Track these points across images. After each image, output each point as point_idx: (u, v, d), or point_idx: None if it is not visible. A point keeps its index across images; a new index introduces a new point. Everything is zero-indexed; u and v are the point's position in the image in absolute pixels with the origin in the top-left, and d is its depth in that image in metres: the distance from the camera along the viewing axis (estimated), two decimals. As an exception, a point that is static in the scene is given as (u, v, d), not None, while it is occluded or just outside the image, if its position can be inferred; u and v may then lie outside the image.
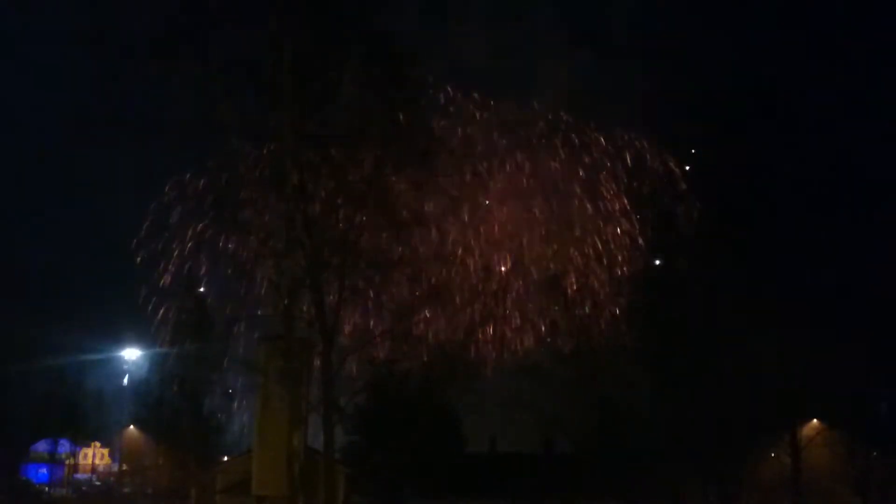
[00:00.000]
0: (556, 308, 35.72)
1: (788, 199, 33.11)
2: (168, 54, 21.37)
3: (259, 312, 26.95)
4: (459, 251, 29.43)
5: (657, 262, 34.17)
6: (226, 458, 45.83)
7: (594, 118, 36.11)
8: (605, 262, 34.80)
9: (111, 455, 66.63)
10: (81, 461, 62.52)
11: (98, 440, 64.69)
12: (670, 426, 34.63)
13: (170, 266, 27.80)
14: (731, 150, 31.91)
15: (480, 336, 31.92)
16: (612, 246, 34.94)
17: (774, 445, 36.59)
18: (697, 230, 32.51)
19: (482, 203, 31.25)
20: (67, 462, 58.07)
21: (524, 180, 34.63)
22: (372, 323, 28.09)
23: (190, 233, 26.78)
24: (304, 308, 25.09)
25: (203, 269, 29.15)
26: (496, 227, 32.21)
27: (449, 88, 29.23)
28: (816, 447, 35.78)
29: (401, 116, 23.69)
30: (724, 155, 32.06)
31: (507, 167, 33.21)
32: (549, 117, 35.34)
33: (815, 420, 37.60)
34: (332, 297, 25.64)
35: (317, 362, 26.03)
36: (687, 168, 33.98)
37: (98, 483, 61.87)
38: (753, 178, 32.28)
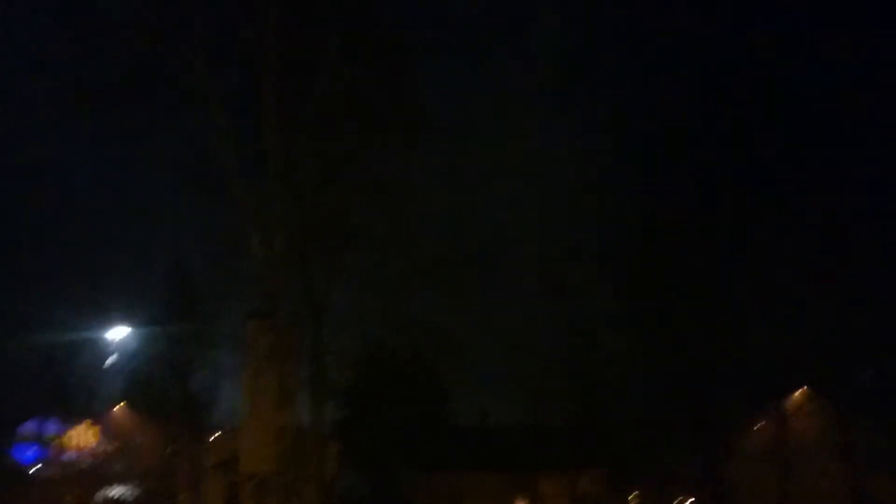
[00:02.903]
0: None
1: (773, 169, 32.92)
2: (150, 28, 20.96)
3: (247, 289, 26.77)
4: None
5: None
6: (215, 435, 45.88)
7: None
8: None
9: (100, 434, 66.44)
10: (69, 441, 62.26)
11: (86, 419, 64.47)
12: (658, 397, 34.87)
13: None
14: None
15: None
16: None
17: (761, 414, 36.87)
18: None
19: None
20: (56, 442, 57.81)
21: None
22: (362, 299, 27.98)
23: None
24: (293, 284, 24.93)
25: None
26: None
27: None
28: (803, 416, 36.12)
29: (387, 88, 23.37)
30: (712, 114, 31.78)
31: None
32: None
33: (801, 389, 37.96)
34: (321, 274, 25.53)
35: (307, 339, 25.93)
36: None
37: (87, 462, 61.70)
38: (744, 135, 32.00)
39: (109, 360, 46.58)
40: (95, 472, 55.00)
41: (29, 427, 61.96)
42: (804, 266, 31.70)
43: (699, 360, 31.87)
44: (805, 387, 37.89)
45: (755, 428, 37.57)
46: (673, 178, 32.11)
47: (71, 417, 56.57)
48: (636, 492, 45.41)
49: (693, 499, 40.09)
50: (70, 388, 49.13)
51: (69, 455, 61.77)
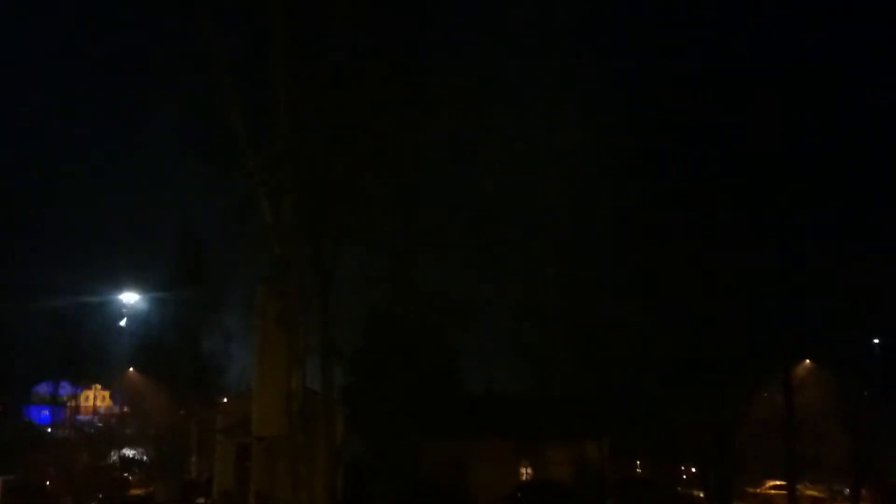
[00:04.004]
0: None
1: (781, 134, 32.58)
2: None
3: (256, 255, 26.94)
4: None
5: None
6: (225, 400, 46.45)
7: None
8: None
9: (112, 397, 67.41)
10: (83, 403, 63.21)
11: (99, 382, 65.34)
12: (664, 367, 34.98)
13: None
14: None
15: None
16: None
17: (767, 385, 37.02)
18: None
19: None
20: (69, 404, 58.71)
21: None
22: (369, 266, 28.07)
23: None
24: (302, 250, 25.07)
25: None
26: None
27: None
28: (809, 387, 36.25)
29: (394, 50, 23.27)
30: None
31: None
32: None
33: (807, 360, 38.07)
34: (329, 240, 25.64)
35: (314, 305, 26.11)
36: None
37: (100, 424, 62.71)
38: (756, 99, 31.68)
39: (120, 324, 47.13)
40: (108, 434, 55.96)
41: (43, 389, 63.05)
42: (811, 239, 31.67)
43: (705, 330, 31.94)
44: (810, 359, 38.04)
45: (761, 398, 37.78)
46: (682, 142, 31.85)
47: (83, 380, 57.46)
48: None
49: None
50: (82, 351, 49.71)
51: (82, 417, 62.86)
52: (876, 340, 37.41)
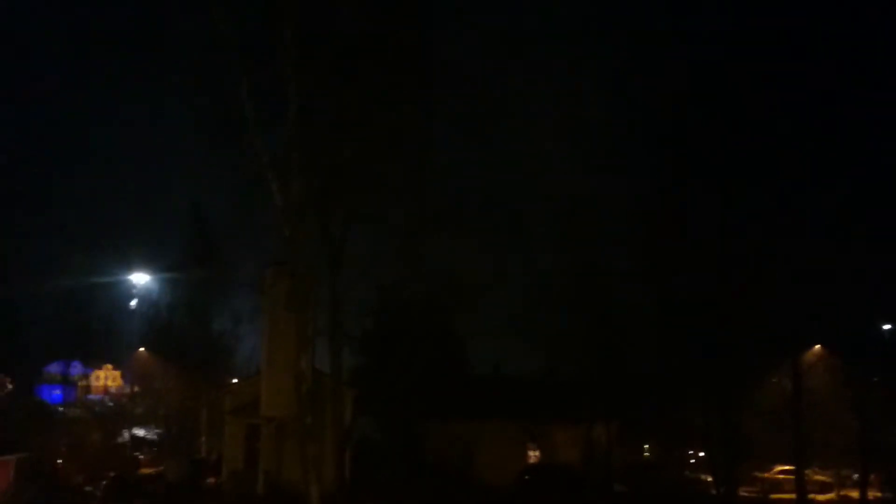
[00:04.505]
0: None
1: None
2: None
3: (265, 236, 27.02)
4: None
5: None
6: (235, 380, 46.69)
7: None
8: None
9: (123, 377, 67.97)
10: (94, 383, 63.81)
11: (109, 362, 65.88)
12: (673, 350, 34.92)
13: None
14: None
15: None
16: None
17: (776, 370, 36.95)
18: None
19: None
20: (80, 383, 59.25)
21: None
22: (378, 248, 28.10)
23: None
24: (311, 231, 25.12)
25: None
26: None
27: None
28: (818, 372, 36.16)
29: (403, 30, 23.17)
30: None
31: None
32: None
33: (817, 346, 37.96)
34: (337, 221, 25.69)
35: (323, 286, 26.21)
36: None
37: (111, 404, 63.24)
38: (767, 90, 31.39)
39: (130, 305, 47.38)
40: (118, 414, 56.43)
41: (54, 368, 63.60)
42: (821, 225, 31.42)
43: (715, 315, 31.85)
44: (819, 344, 37.93)
45: (769, 383, 37.71)
46: (693, 124, 31.58)
47: (94, 360, 57.98)
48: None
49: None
50: (93, 331, 50.08)
51: (93, 396, 63.45)
52: (885, 326, 37.27)
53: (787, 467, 39.83)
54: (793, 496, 33.53)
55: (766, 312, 32.10)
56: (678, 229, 32.62)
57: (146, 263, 47.69)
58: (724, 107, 30.85)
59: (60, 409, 56.46)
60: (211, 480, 39.72)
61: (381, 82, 23.71)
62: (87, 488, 38.90)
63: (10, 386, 61.00)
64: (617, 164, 34.58)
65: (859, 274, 31.22)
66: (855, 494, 37.25)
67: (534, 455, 43.54)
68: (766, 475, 42.35)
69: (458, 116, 26.98)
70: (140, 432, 54.89)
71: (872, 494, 35.78)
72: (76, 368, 57.98)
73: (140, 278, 47.56)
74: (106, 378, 69.29)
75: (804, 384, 32.93)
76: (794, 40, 31.67)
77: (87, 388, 61.32)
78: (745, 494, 37.01)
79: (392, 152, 25.37)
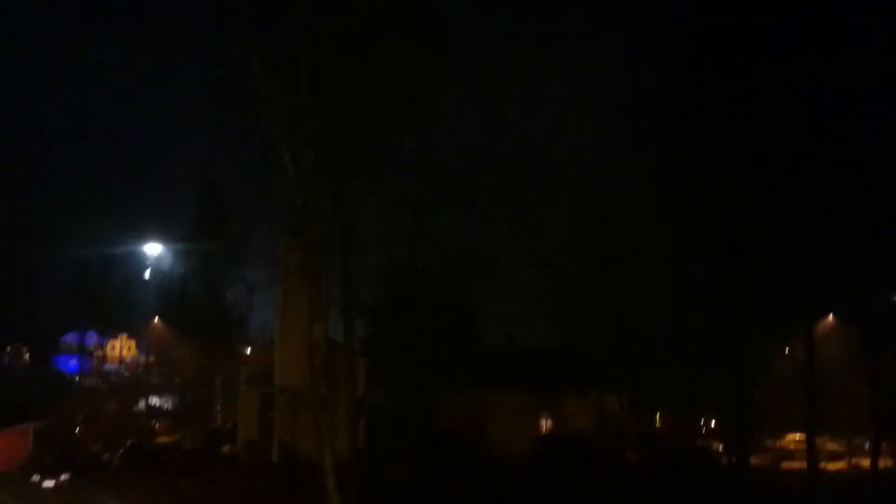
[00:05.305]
0: None
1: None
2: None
3: (278, 207, 27.03)
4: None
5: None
6: (249, 350, 47.07)
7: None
8: None
9: (138, 347, 68.62)
10: (109, 352, 64.44)
11: (125, 332, 66.48)
12: (686, 320, 34.86)
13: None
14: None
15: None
16: None
17: (789, 341, 36.87)
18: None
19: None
20: (96, 353, 59.82)
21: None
22: (390, 219, 28.05)
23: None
24: (323, 202, 25.12)
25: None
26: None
27: None
28: (831, 343, 36.06)
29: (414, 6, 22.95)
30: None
31: None
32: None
33: (830, 316, 37.84)
34: (350, 193, 25.63)
35: (335, 257, 26.25)
36: None
37: (126, 374, 63.95)
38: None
39: (145, 276, 47.71)
40: (134, 383, 57.09)
41: (70, 339, 64.27)
42: (833, 194, 31.09)
43: (728, 284, 31.71)
44: (832, 314, 37.81)
45: (782, 353, 37.66)
46: (705, 91, 31.16)
47: (109, 330, 58.50)
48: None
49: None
50: (108, 302, 50.48)
51: (109, 366, 64.15)
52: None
53: (798, 436, 39.93)
54: (804, 465, 33.61)
55: (780, 282, 31.93)
56: (691, 197, 32.37)
57: (160, 234, 48.03)
58: (739, 81, 30.46)
59: (77, 378, 57.11)
60: (226, 449, 40.23)
61: (392, 52, 23.52)
62: (104, 456, 39.51)
63: (27, 356, 61.79)
64: (629, 132, 34.22)
65: (874, 243, 30.97)
66: (866, 463, 37.32)
67: (546, 425, 43.81)
68: (777, 444, 42.47)
69: (470, 87, 26.76)
70: (155, 401, 55.56)
71: (884, 463, 35.81)
72: (92, 338, 58.48)
73: (154, 249, 47.91)
74: (121, 348, 70.01)
75: (817, 354, 32.81)
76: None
77: (103, 358, 61.91)
78: (757, 463, 37.14)
79: (404, 123, 25.23)
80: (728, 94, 30.48)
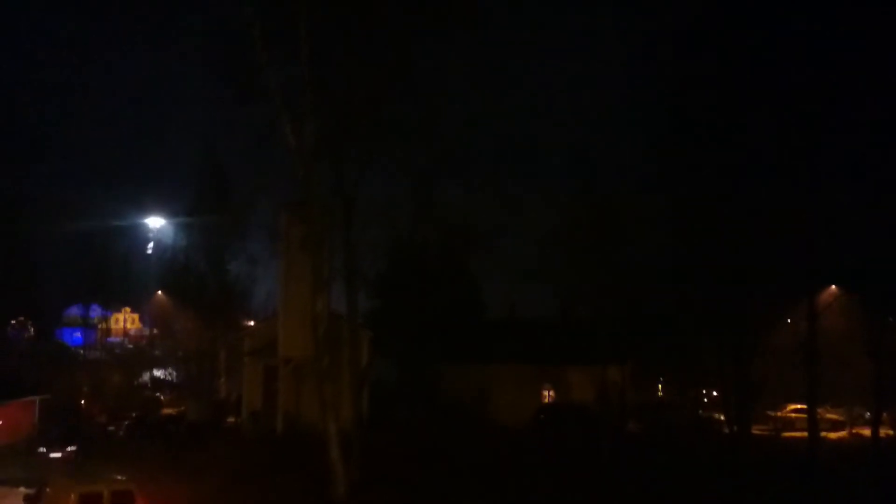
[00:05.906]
0: None
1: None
2: None
3: (279, 179, 26.96)
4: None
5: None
6: (252, 322, 47.20)
7: None
8: None
9: (141, 320, 68.85)
10: (113, 325, 64.64)
11: (128, 305, 66.67)
12: (688, 292, 34.88)
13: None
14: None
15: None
16: None
17: (791, 312, 36.89)
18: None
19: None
20: (100, 326, 60.04)
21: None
22: (392, 191, 27.94)
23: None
24: (324, 174, 25.03)
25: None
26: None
27: None
28: (832, 313, 36.08)
29: None
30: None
31: None
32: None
33: (832, 286, 37.81)
34: (352, 164, 25.51)
35: (338, 229, 26.19)
36: None
37: (130, 346, 64.25)
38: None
39: (147, 249, 47.73)
40: (138, 356, 57.37)
41: (74, 311, 64.54)
42: (837, 166, 30.95)
43: (731, 256, 31.67)
44: (834, 285, 37.75)
45: (784, 324, 37.69)
46: (715, 68, 30.94)
47: (113, 303, 58.66)
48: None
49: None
50: (110, 275, 50.54)
51: (113, 339, 64.40)
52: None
53: (799, 406, 40.11)
54: (805, 434, 33.79)
55: (781, 253, 31.91)
56: (694, 169, 32.27)
57: (162, 207, 47.98)
58: (741, 52, 30.21)
59: (81, 351, 57.38)
60: (231, 420, 40.51)
61: (393, 20, 23.30)
62: (110, 428, 39.84)
63: (31, 329, 62.05)
64: (635, 107, 33.93)
65: (876, 215, 30.86)
66: (867, 432, 37.53)
67: (548, 396, 44.05)
68: (778, 414, 42.69)
69: (473, 56, 26.51)
70: (159, 373, 55.87)
71: (884, 432, 36.00)
72: (95, 311, 58.63)
73: (156, 222, 47.88)
74: (125, 321, 70.27)
75: (819, 324, 32.85)
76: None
77: (107, 331, 62.11)
78: (758, 433, 37.35)
79: (405, 93, 25.03)
80: (736, 54, 30.24)
